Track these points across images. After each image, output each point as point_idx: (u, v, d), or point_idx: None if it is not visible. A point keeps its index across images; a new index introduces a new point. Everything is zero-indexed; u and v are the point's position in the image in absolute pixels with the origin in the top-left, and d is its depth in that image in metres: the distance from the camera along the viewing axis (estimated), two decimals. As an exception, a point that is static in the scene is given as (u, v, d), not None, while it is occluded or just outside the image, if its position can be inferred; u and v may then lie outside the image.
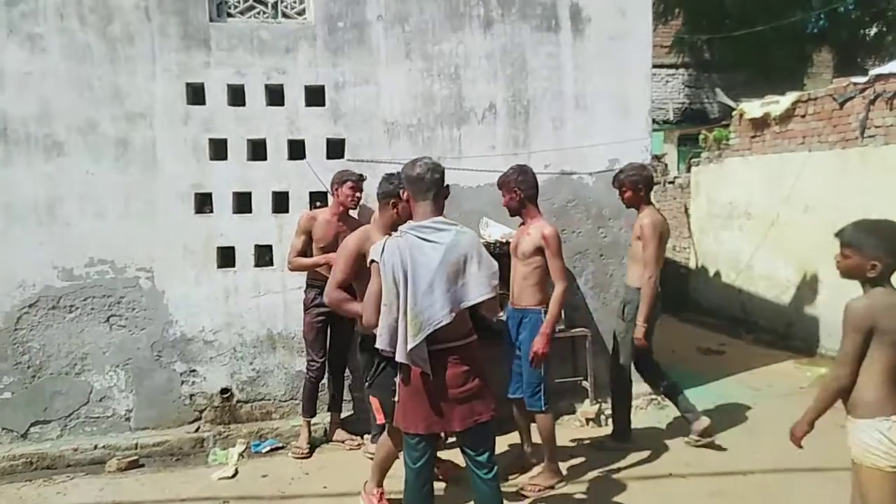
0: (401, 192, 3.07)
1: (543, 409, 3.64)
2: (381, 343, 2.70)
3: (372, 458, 4.08)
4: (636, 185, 4.04)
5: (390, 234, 2.88)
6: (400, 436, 3.25)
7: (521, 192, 3.65)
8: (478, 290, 2.69)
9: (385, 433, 3.40)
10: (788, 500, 3.55)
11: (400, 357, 2.66)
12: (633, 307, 4.05)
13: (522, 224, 3.75)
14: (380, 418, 3.31)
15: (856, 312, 2.30)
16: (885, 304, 2.30)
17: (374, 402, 3.30)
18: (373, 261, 2.71)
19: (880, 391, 2.33)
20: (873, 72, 6.12)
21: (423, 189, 2.74)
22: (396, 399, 2.85)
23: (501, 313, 3.74)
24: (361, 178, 4.22)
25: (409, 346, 2.61)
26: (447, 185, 2.85)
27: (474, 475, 2.83)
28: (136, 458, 4.24)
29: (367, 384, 3.31)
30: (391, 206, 3.28)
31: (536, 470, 3.80)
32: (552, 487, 3.66)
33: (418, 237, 2.67)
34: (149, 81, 4.31)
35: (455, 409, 2.72)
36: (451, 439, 3.71)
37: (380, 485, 3.50)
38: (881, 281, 2.35)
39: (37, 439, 4.34)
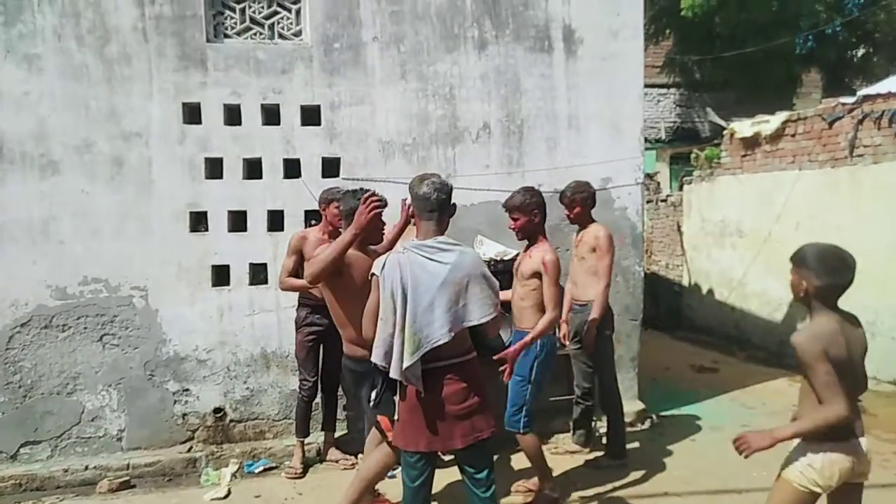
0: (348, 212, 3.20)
1: (521, 430, 3.62)
2: (375, 357, 2.70)
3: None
4: (585, 202, 4.14)
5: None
6: (395, 460, 3.26)
7: (537, 216, 3.67)
8: (480, 311, 2.69)
9: (383, 449, 3.34)
10: (784, 518, 3.54)
11: (394, 374, 2.66)
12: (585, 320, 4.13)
13: (530, 247, 3.73)
14: (391, 436, 3.22)
15: (805, 347, 2.25)
16: (828, 331, 2.29)
17: (384, 422, 3.22)
18: (373, 274, 2.72)
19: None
20: (861, 92, 6.23)
21: (427, 208, 2.73)
22: (396, 417, 2.84)
23: (502, 332, 3.74)
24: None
25: (405, 364, 2.61)
26: (454, 204, 2.84)
27: (472, 494, 2.81)
28: (127, 478, 4.20)
29: (372, 404, 3.24)
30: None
31: (529, 496, 3.77)
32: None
33: (421, 255, 2.67)
34: (145, 101, 4.34)
35: (456, 426, 2.71)
36: (448, 457, 3.71)
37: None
38: (820, 305, 2.34)
39: (27, 460, 4.29)
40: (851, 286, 2.36)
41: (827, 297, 2.32)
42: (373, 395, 3.21)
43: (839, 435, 2.33)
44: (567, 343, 4.34)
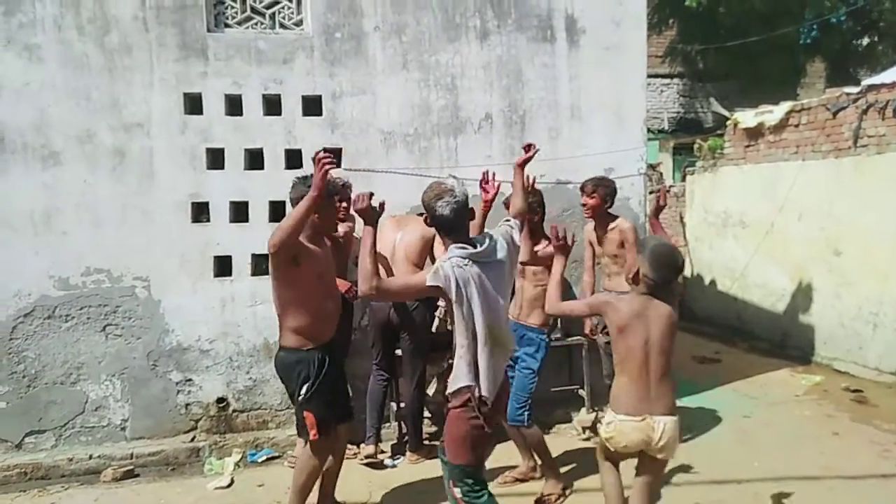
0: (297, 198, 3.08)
1: (526, 424, 3.65)
2: (465, 381, 2.57)
3: (366, 464, 4.07)
4: (605, 196, 4.17)
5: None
6: (327, 454, 3.26)
7: (538, 214, 3.78)
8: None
9: (308, 453, 3.22)
10: (784, 508, 3.56)
11: (485, 390, 2.56)
12: None
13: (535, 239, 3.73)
14: (314, 434, 3.13)
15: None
16: (633, 304, 2.75)
17: (310, 418, 3.11)
18: (433, 285, 2.54)
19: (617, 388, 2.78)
20: (865, 82, 6.19)
21: (454, 226, 2.62)
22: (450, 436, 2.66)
23: None
24: (346, 187, 3.86)
25: (495, 370, 2.59)
26: (471, 208, 2.70)
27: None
28: (131, 467, 4.22)
29: (302, 398, 3.13)
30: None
31: (543, 481, 3.80)
32: (563, 495, 3.67)
33: (478, 261, 2.58)
34: (146, 91, 4.33)
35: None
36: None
37: None
38: (643, 288, 2.74)
39: (31, 449, 4.32)
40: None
41: (649, 285, 2.72)
42: (304, 389, 3.12)
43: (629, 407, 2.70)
44: (598, 335, 4.42)
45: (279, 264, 3.09)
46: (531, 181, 3.43)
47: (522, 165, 3.16)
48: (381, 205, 2.75)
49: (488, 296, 2.58)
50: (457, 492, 2.65)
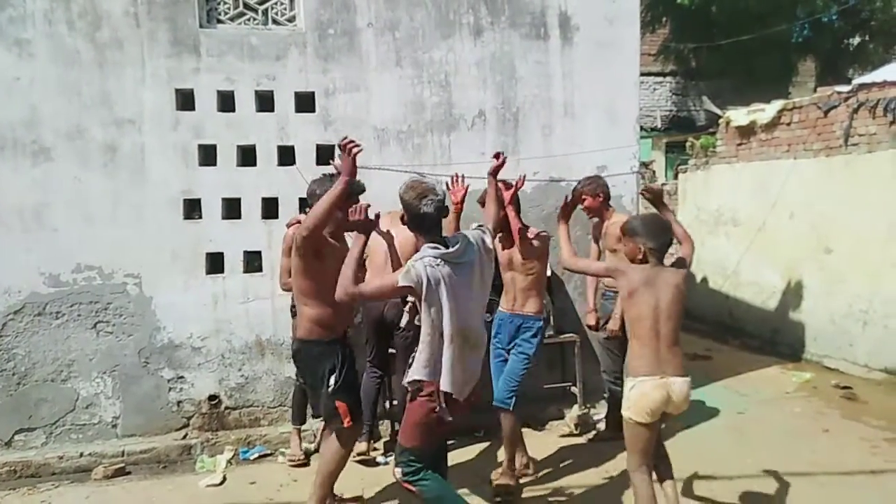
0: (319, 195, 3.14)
1: (511, 409, 3.68)
2: (419, 375, 2.70)
3: (359, 462, 4.06)
4: (595, 193, 4.16)
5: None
6: (356, 440, 3.41)
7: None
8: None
9: (336, 442, 3.29)
10: (774, 503, 3.58)
11: (445, 385, 2.69)
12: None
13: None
14: (347, 421, 3.21)
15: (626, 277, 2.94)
16: (647, 272, 2.92)
17: (342, 407, 3.20)
18: (408, 287, 2.63)
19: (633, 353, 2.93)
20: (856, 81, 6.23)
21: (433, 223, 2.77)
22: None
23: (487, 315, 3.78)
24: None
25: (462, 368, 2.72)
26: (446, 206, 2.86)
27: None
28: (122, 465, 4.20)
29: (331, 388, 3.20)
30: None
31: (497, 472, 3.80)
32: (516, 487, 3.69)
33: (450, 261, 2.69)
34: (138, 87, 4.30)
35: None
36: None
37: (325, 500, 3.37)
38: (654, 261, 2.94)
39: (21, 447, 4.29)
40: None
41: (654, 253, 2.93)
42: (332, 380, 3.18)
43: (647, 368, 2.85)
44: (598, 330, 4.42)
45: (304, 255, 3.15)
46: (520, 181, 3.60)
47: (494, 174, 3.27)
48: (377, 216, 2.87)
49: (458, 296, 2.67)
50: (398, 472, 2.83)
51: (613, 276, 3.15)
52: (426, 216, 2.70)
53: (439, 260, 2.65)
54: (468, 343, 2.75)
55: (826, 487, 3.75)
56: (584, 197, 4.16)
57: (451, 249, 2.69)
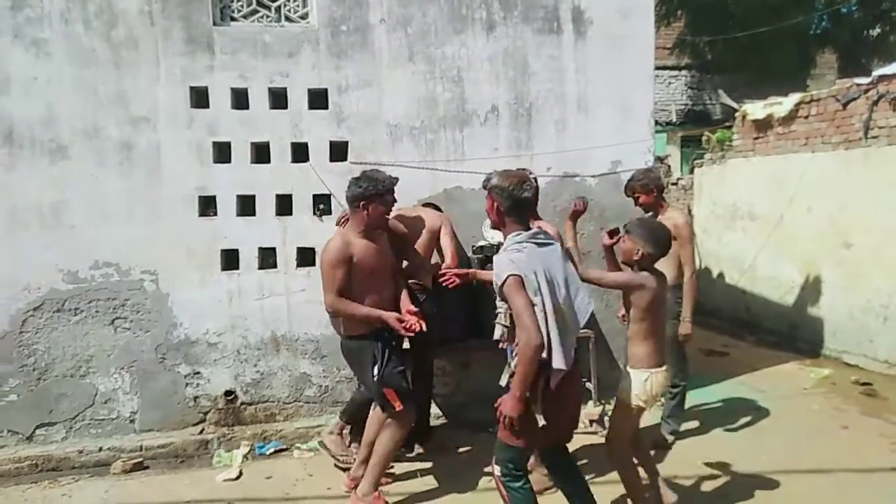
0: (370, 194, 3.34)
1: None
2: (558, 362, 2.68)
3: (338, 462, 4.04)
4: (648, 188, 4.10)
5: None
6: (411, 421, 3.49)
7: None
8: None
9: (394, 424, 3.42)
10: (792, 500, 3.54)
11: (558, 363, 2.67)
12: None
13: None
14: (398, 405, 3.36)
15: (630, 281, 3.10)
16: (652, 281, 3.06)
17: (390, 393, 3.35)
18: (511, 275, 2.63)
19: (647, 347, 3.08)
20: (876, 73, 6.11)
21: (527, 207, 2.90)
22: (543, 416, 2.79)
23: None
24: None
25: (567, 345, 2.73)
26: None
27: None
28: (140, 460, 4.26)
29: (376, 377, 3.37)
30: (362, 208, 3.39)
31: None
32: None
33: (538, 243, 2.77)
34: (153, 85, 4.33)
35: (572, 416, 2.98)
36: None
37: (378, 486, 3.48)
38: (648, 266, 3.08)
39: (42, 441, 4.36)
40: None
41: (652, 261, 3.08)
42: (375, 369, 3.33)
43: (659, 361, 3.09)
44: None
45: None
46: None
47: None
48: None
49: (553, 273, 2.75)
50: (496, 469, 2.84)
51: (632, 289, 3.08)
52: (526, 200, 2.82)
53: (527, 243, 2.74)
54: (566, 323, 2.77)
55: (844, 485, 3.70)
56: (637, 195, 4.11)
57: (534, 230, 2.82)
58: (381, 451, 3.45)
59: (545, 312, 2.65)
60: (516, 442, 2.78)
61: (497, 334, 2.88)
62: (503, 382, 2.88)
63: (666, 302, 3.21)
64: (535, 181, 3.01)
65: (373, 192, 3.39)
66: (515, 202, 2.77)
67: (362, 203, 3.39)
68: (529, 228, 2.81)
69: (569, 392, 2.83)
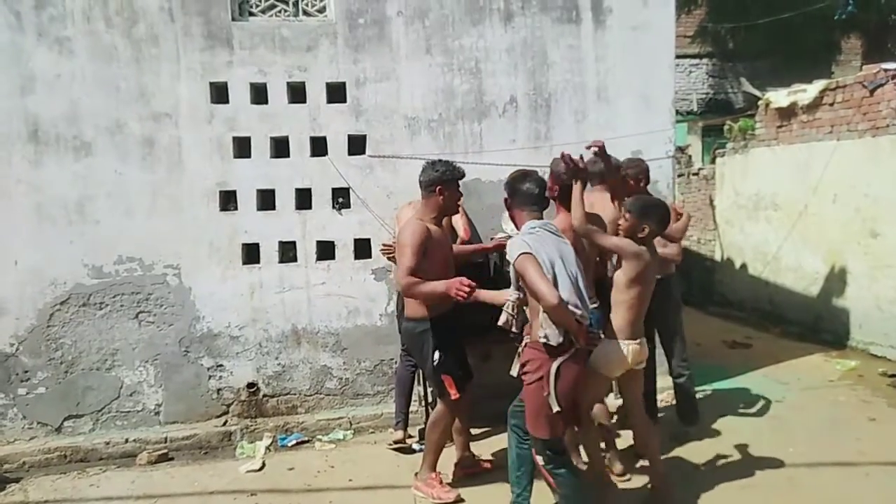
0: (447, 179, 3.35)
1: None
2: (557, 338, 2.78)
3: (395, 449, 4.12)
4: (637, 178, 4.02)
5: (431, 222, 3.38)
6: (465, 410, 3.57)
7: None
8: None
9: (442, 411, 3.48)
10: (817, 493, 3.49)
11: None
12: None
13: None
14: (454, 394, 3.39)
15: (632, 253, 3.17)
16: (650, 258, 3.20)
17: (448, 380, 3.38)
18: (524, 253, 2.79)
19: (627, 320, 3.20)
20: (904, 57, 5.97)
21: (532, 202, 3.09)
22: (557, 403, 2.82)
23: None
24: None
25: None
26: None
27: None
28: (165, 451, 4.33)
29: (437, 363, 3.38)
30: (437, 192, 3.38)
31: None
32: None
33: (551, 232, 2.93)
34: (173, 81, 4.37)
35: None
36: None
37: (435, 468, 3.56)
38: (650, 243, 3.21)
39: (70, 433, 4.45)
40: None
41: (653, 237, 3.22)
42: (436, 355, 3.35)
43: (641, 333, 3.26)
44: None
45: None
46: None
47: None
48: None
49: (565, 257, 2.89)
50: (539, 459, 2.99)
51: (625, 254, 3.17)
52: (528, 192, 3.06)
53: (541, 230, 2.91)
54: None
55: (871, 477, 3.65)
56: (626, 180, 4.06)
57: (545, 221, 3.02)
58: (433, 438, 3.54)
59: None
60: (542, 433, 2.87)
61: (501, 320, 3.08)
62: (514, 373, 3.01)
63: (653, 279, 3.28)
64: (544, 179, 3.19)
65: (449, 177, 3.39)
66: (515, 192, 3.09)
67: (439, 187, 3.37)
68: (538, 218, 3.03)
69: (578, 376, 2.89)
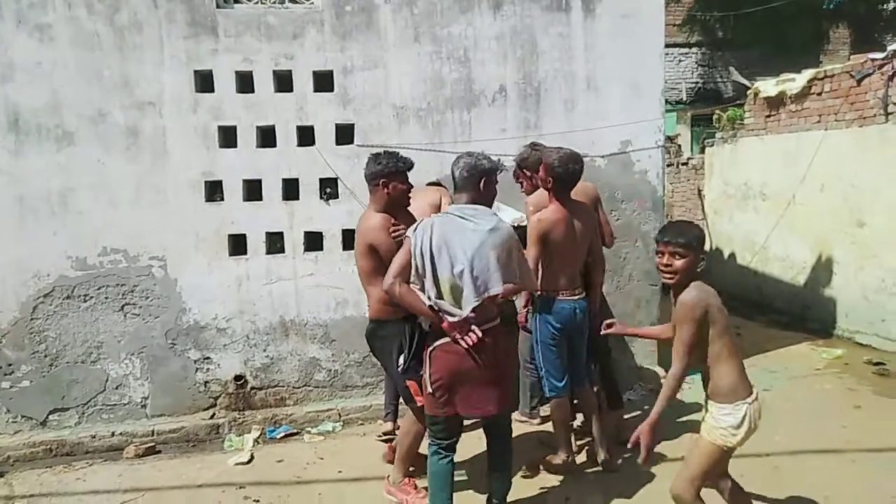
0: (390, 171, 3.26)
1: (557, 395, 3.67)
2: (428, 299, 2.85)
3: (384, 441, 4.11)
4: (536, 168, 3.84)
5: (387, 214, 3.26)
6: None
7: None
8: (512, 275, 2.93)
9: (412, 417, 3.41)
10: (804, 481, 3.52)
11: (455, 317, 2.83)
12: None
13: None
14: (420, 400, 3.26)
15: (692, 303, 2.60)
16: (709, 292, 2.65)
17: (413, 386, 3.24)
18: (406, 236, 2.91)
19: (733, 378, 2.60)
20: (892, 47, 5.98)
21: (457, 184, 3.05)
22: (429, 385, 2.91)
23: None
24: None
25: (466, 311, 2.82)
26: (491, 181, 3.04)
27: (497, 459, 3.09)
28: (152, 444, 4.29)
29: (401, 369, 3.24)
30: (381, 186, 3.29)
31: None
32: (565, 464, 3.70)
33: (458, 216, 2.91)
34: (157, 69, 4.30)
35: (493, 391, 2.94)
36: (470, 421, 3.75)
37: (408, 474, 3.48)
38: (698, 278, 2.69)
39: (56, 427, 4.40)
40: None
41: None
42: (401, 360, 3.24)
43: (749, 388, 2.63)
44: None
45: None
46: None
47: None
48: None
49: (452, 245, 2.88)
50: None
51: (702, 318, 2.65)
52: (451, 174, 3.08)
53: (450, 213, 2.98)
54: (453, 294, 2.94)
55: (857, 464, 3.68)
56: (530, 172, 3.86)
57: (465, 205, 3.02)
58: (403, 444, 3.45)
59: (422, 274, 2.85)
60: (426, 409, 3.03)
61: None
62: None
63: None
64: (477, 166, 3.01)
65: (393, 170, 3.27)
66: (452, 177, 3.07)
67: (382, 181, 3.27)
68: (474, 202, 3.00)
69: (451, 363, 2.87)
